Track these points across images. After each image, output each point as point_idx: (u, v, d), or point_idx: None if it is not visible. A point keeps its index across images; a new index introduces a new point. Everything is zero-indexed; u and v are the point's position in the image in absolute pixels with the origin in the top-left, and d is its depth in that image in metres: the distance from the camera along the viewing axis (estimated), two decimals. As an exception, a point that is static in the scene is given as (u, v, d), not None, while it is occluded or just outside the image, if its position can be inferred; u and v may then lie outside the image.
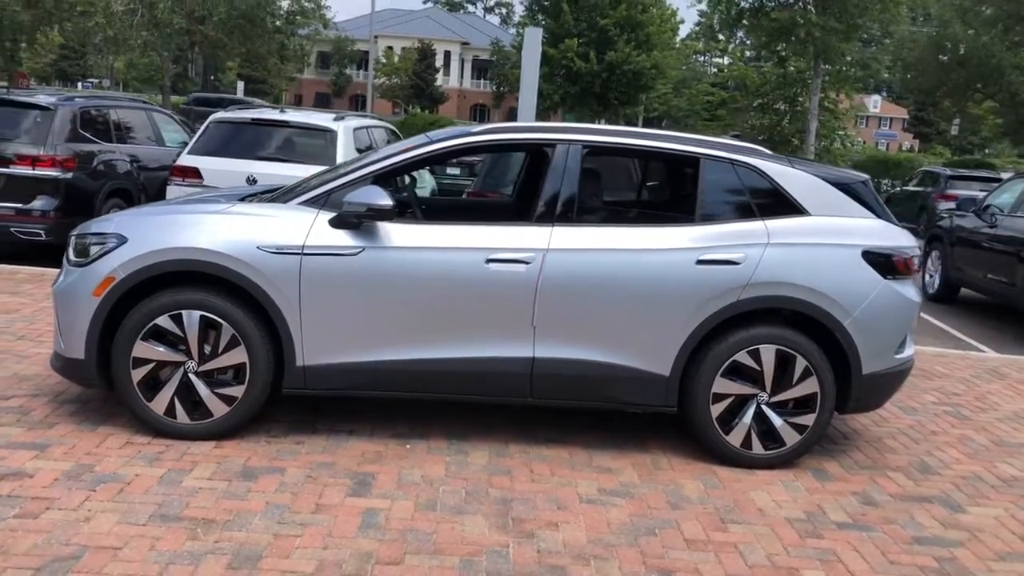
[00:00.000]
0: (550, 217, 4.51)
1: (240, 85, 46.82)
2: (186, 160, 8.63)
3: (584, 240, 4.46)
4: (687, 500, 4.19)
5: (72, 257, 4.46)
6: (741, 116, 28.55)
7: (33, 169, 8.61)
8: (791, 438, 4.59)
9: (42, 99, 9.19)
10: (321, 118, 9.00)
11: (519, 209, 5.49)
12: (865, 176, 4.99)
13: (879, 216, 4.77)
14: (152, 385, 4.39)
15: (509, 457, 4.53)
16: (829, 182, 4.73)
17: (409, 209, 5.07)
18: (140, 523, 3.54)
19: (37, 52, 61.61)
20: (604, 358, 4.46)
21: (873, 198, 4.83)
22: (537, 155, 4.74)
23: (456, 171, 12.98)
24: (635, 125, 43.20)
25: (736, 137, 5.35)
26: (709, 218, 4.61)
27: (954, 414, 5.90)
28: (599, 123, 37.94)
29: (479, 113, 75.66)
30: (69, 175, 8.81)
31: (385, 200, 4.26)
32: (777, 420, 4.57)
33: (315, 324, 4.35)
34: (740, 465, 4.60)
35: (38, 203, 8.65)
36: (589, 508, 4.02)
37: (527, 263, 4.39)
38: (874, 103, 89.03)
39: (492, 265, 4.38)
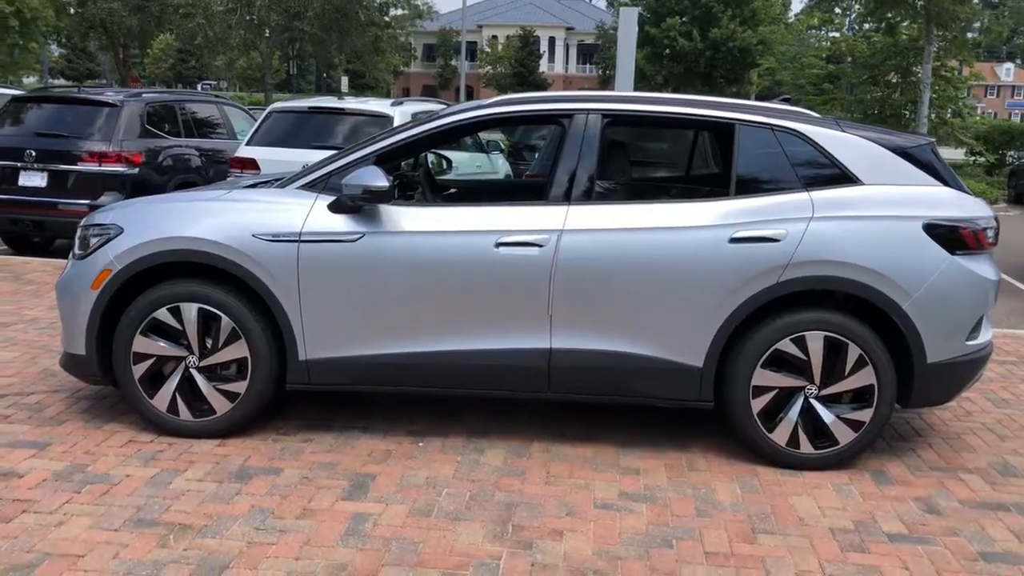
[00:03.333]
0: (566, 195, 4.12)
1: (344, 81, 47.61)
2: (244, 152, 8.58)
3: (603, 219, 4.06)
4: (717, 506, 3.74)
5: (76, 250, 4.34)
6: (850, 90, 27.11)
7: (100, 166, 8.72)
8: (844, 436, 4.08)
9: (110, 96, 9.30)
10: (378, 104, 8.80)
11: (535, 188, 5.11)
12: (929, 139, 4.40)
13: (947, 184, 4.19)
14: (154, 381, 4.23)
15: (528, 456, 4.18)
16: (885, 147, 4.17)
17: (413, 191, 4.76)
18: (112, 528, 3.36)
19: (158, 57, 64.39)
20: (629, 348, 4.05)
21: (941, 164, 4.24)
22: (556, 128, 4.34)
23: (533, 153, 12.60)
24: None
25: (785, 101, 4.81)
26: (746, 191, 4.12)
27: (1053, 406, 5.22)
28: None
29: (584, 99, 74.67)
30: (136, 170, 8.90)
31: (381, 181, 3.96)
32: (828, 416, 4.06)
33: (316, 315, 4.10)
34: (786, 466, 4.12)
35: (106, 199, 8.75)
36: (602, 515, 3.63)
37: (540, 246, 4.01)
38: (1006, 71, 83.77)
39: (502, 249, 4.03)
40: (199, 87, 64.22)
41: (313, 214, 4.10)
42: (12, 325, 6.15)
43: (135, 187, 8.77)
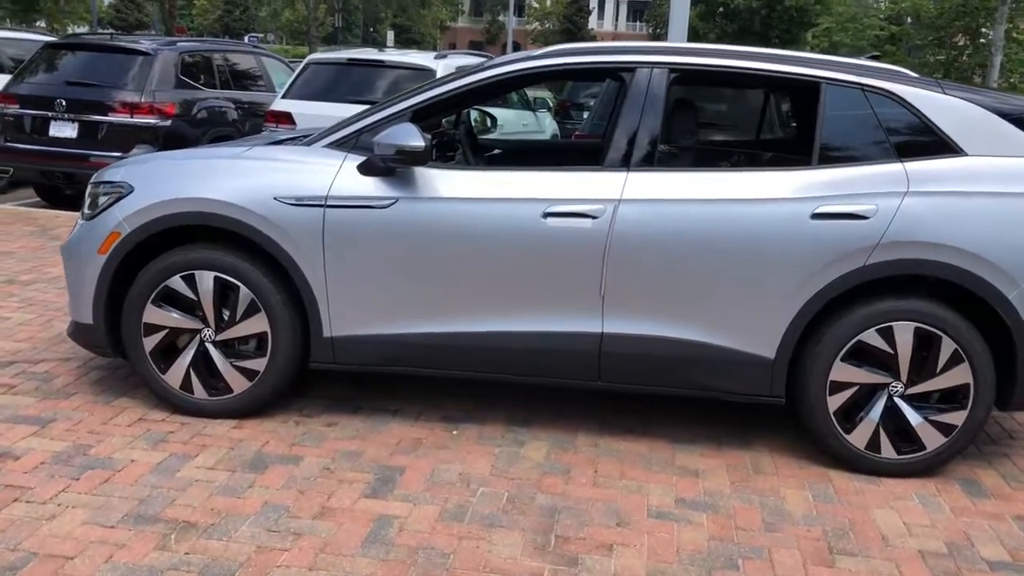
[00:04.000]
0: (625, 160, 3.65)
1: (390, 35, 47.03)
2: (279, 105, 8.19)
3: (667, 189, 3.58)
4: (788, 518, 3.30)
5: (85, 209, 3.97)
6: (914, 52, 25.97)
7: (132, 117, 8.39)
8: (933, 440, 3.61)
9: (143, 44, 8.94)
10: (420, 57, 8.34)
11: (587, 151, 4.63)
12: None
13: (1067, 156, 3.64)
14: (167, 355, 3.87)
15: (573, 451, 3.76)
16: (995, 112, 3.63)
17: (453, 152, 4.31)
18: (109, 524, 3.01)
19: (204, 8, 64.20)
20: (690, 335, 3.60)
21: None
22: (616, 84, 3.86)
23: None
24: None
25: (873, 59, 4.26)
26: (831, 159, 3.62)
27: None
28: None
29: (633, 57, 73.29)
30: (168, 123, 8.55)
31: (417, 140, 3.52)
32: (915, 417, 3.59)
33: (342, 288, 3.69)
34: (865, 472, 3.66)
35: (137, 152, 8.40)
36: (658, 525, 3.20)
37: (594, 217, 3.56)
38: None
39: (551, 220, 3.58)
40: (246, 39, 63.71)
41: (341, 176, 3.68)
42: (32, 284, 5.85)
43: (168, 139, 8.43)
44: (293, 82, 8.40)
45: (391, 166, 3.60)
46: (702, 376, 3.67)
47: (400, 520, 3.13)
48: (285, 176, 3.70)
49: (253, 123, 9.50)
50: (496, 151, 5.08)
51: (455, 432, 3.88)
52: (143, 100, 8.39)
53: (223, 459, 3.52)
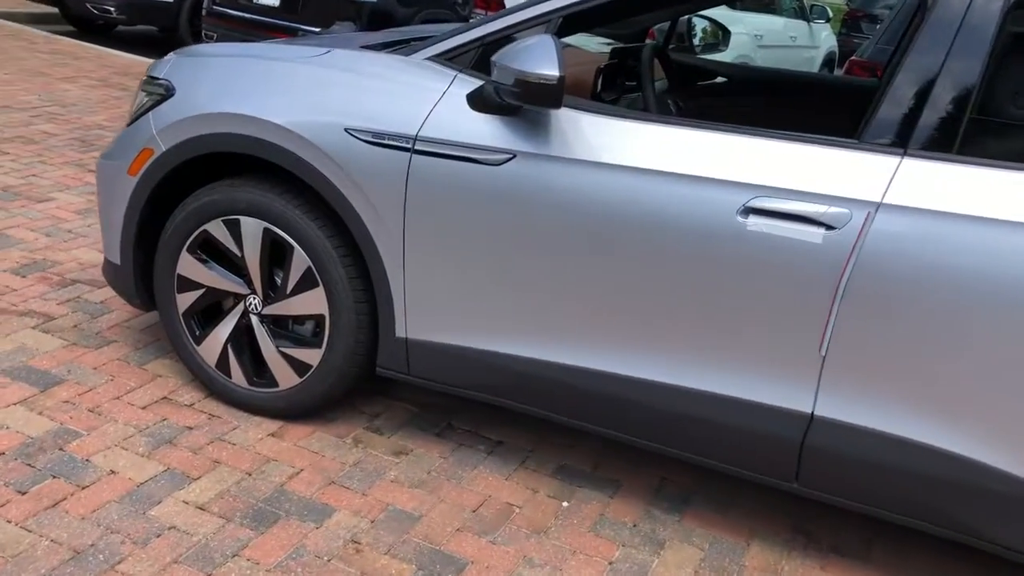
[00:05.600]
0: (903, 134, 2.12)
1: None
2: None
3: (970, 196, 2.03)
4: None
5: (134, 109, 2.98)
6: None
7: (337, -11, 7.48)
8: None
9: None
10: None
11: (861, 98, 3.06)
12: None
13: None
14: (205, 319, 2.87)
15: (737, 572, 2.41)
16: None
17: (628, 87, 2.90)
18: (7, 592, 2.07)
19: None
20: (965, 450, 2.10)
21: None
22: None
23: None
24: None
25: None
26: None
27: None
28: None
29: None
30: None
31: (548, 67, 2.17)
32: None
33: (425, 272, 2.49)
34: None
35: (337, 28, 7.50)
36: None
37: (830, 227, 2.09)
38: None
39: (753, 221, 2.15)
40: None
41: (442, 107, 2.42)
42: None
43: (372, 17, 7.51)
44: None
45: (509, 103, 2.29)
46: (974, 516, 2.17)
47: None
48: (364, 98, 2.49)
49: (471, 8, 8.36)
50: (710, 83, 3.58)
51: (566, 504, 2.63)
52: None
53: (227, 492, 2.49)
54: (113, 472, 2.51)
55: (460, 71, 2.46)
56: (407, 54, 2.56)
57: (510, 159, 2.33)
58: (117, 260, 2.92)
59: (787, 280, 2.14)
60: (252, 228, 2.65)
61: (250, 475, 2.57)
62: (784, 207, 2.12)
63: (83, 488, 2.43)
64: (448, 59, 2.50)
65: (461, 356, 2.54)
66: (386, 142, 2.43)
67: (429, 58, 2.52)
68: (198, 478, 2.53)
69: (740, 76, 3.75)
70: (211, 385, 2.88)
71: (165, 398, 2.90)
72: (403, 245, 2.48)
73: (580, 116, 2.32)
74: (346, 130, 2.46)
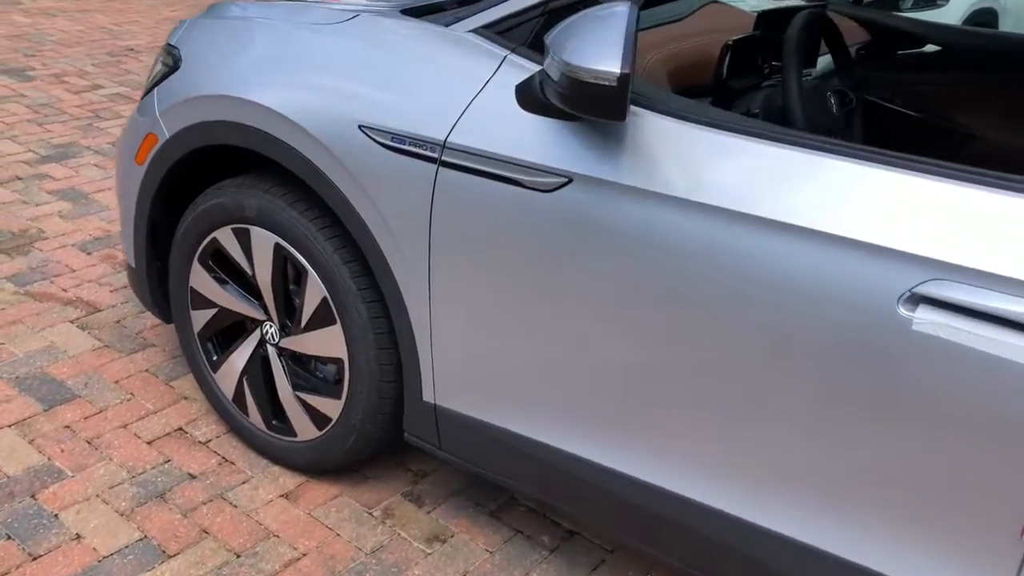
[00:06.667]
0: None
1: None
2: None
3: None
4: None
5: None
6: None
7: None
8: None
9: None
10: None
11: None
12: None
13: None
14: (222, 343, 2.34)
15: None
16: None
17: (750, 80, 2.03)
18: None
19: None
20: None
21: None
22: None
23: None
24: None
25: None
26: None
27: None
28: None
29: None
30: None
31: (610, 62, 1.40)
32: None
33: (454, 325, 1.82)
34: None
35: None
36: None
37: (1060, 340, 1.23)
38: None
39: (923, 316, 1.30)
40: None
41: (483, 102, 1.70)
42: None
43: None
44: None
45: (558, 106, 1.54)
46: None
47: None
48: (386, 84, 1.81)
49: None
50: (914, 53, 2.57)
51: (636, 649, 1.93)
52: None
53: (201, 582, 1.97)
54: (78, 537, 2.05)
55: (512, 50, 1.73)
56: (447, 23, 1.85)
57: (566, 184, 1.59)
58: (132, 262, 2.44)
59: (984, 416, 1.30)
60: (262, 242, 2.07)
61: (238, 557, 2.04)
62: (969, 299, 1.27)
63: (34, 559, 1.98)
64: (499, 31, 1.77)
65: (496, 437, 1.86)
66: (407, 147, 1.75)
67: (473, 30, 1.79)
68: (174, 555, 2.03)
69: (966, 45, 2.65)
70: (229, 420, 2.37)
71: (180, 429, 2.42)
72: (428, 286, 1.81)
73: (666, 125, 1.54)
74: (361, 127, 1.80)
